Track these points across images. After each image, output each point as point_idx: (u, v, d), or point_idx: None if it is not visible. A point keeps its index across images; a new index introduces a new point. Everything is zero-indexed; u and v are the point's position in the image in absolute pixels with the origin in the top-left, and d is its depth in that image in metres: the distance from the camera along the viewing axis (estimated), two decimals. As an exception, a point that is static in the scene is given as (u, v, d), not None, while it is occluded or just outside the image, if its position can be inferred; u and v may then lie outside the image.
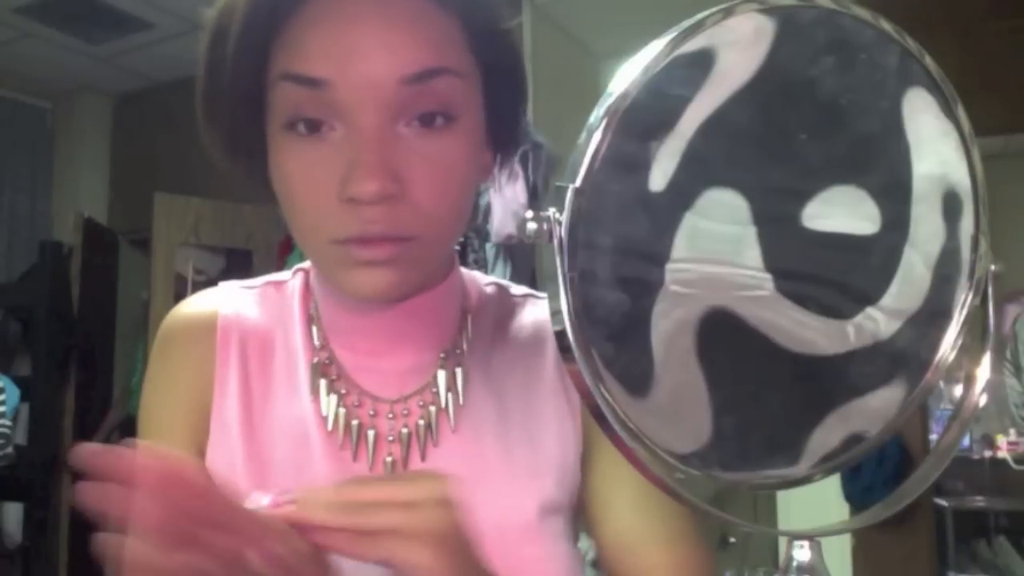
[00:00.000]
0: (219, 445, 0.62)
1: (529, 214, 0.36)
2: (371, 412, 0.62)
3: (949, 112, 0.44)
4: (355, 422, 0.61)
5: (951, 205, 0.45)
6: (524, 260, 2.56)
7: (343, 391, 0.63)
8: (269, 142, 0.57)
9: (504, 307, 0.70)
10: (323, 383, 0.63)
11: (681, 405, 0.40)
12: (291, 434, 0.62)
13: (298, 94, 0.53)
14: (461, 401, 0.63)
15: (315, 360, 0.64)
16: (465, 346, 0.65)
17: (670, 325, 0.39)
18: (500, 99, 0.60)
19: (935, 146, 0.44)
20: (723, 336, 0.40)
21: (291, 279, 0.69)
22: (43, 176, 3.99)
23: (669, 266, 0.38)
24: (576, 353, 0.36)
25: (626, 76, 0.37)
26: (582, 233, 0.36)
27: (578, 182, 0.36)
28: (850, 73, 0.42)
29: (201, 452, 0.63)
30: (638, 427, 0.38)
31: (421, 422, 0.62)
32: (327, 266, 0.58)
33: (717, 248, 0.40)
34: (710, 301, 0.40)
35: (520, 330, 0.68)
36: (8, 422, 3.27)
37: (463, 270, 0.68)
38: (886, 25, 0.42)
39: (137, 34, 3.36)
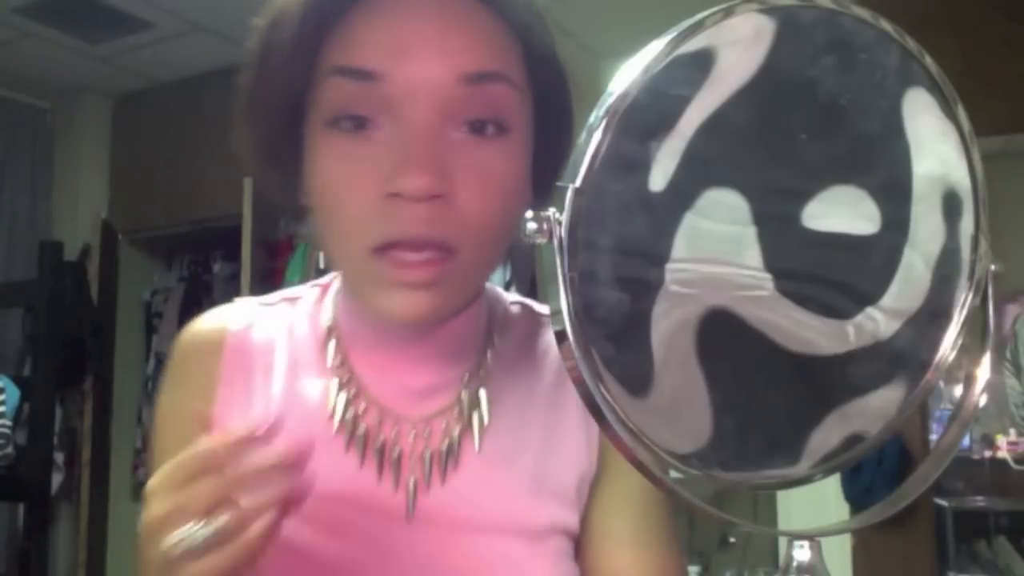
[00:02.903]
0: None
1: (529, 214, 0.36)
2: (394, 432, 0.61)
3: (949, 112, 0.44)
4: (380, 440, 0.60)
5: (951, 205, 0.45)
6: (524, 260, 2.56)
7: (362, 409, 0.61)
8: (308, 143, 0.56)
9: (529, 328, 0.68)
10: (342, 398, 0.61)
11: (681, 405, 0.40)
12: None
13: (349, 89, 0.52)
14: (486, 422, 0.61)
15: (333, 378, 0.62)
16: (489, 365, 0.64)
17: (670, 325, 0.38)
18: (549, 141, 0.58)
19: (935, 146, 0.44)
20: (723, 336, 0.40)
21: (306, 295, 0.69)
22: (43, 176, 3.98)
23: (669, 266, 0.38)
24: (576, 353, 0.36)
25: (626, 76, 0.37)
26: (582, 233, 0.36)
27: (578, 182, 0.36)
28: (850, 73, 0.42)
29: None
30: (638, 427, 0.38)
31: (445, 443, 0.60)
32: (362, 283, 0.56)
33: (717, 248, 0.39)
34: (710, 301, 0.40)
35: (544, 352, 0.67)
36: (8, 422, 3.26)
37: (487, 285, 0.68)
38: (886, 25, 0.42)
39: (137, 34, 3.36)
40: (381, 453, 0.60)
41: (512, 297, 0.71)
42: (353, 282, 0.59)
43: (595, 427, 0.61)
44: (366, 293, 0.56)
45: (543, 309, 0.70)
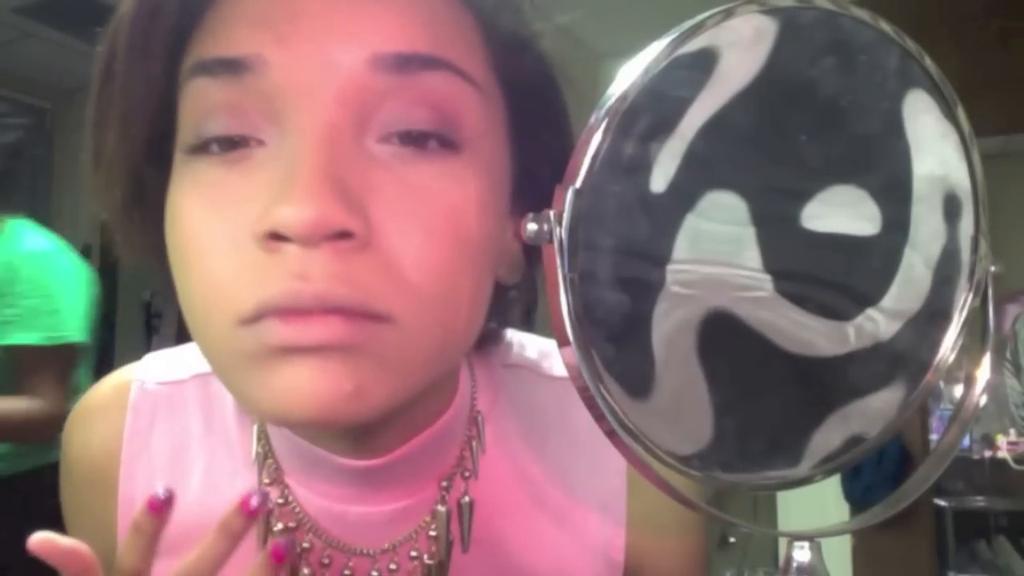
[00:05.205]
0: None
1: (529, 214, 0.36)
2: (346, 573, 0.48)
3: (949, 114, 0.44)
4: None
5: (951, 206, 0.45)
6: (524, 260, 2.55)
7: (305, 544, 0.48)
8: (171, 181, 0.41)
9: (536, 397, 0.54)
10: (278, 530, 0.48)
11: (682, 406, 0.40)
12: None
13: (214, 93, 0.37)
14: (465, 547, 0.48)
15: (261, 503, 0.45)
16: (475, 462, 0.49)
17: (671, 326, 0.38)
18: (537, 143, 0.44)
19: (935, 147, 0.44)
20: (724, 337, 0.40)
21: None
22: (43, 176, 3.99)
23: (670, 267, 0.38)
24: (576, 354, 0.36)
25: (626, 77, 0.37)
26: (582, 234, 0.36)
27: (578, 183, 0.36)
28: (851, 74, 0.42)
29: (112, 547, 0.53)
30: (639, 428, 0.37)
31: None
32: (227, 369, 0.38)
33: (717, 249, 0.39)
34: (711, 302, 0.40)
35: (561, 430, 0.53)
36: (9, 422, 3.26)
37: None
38: (886, 26, 0.42)
39: (137, 34, 3.36)
40: None
41: (511, 354, 0.56)
42: (222, 372, 0.39)
43: (623, 522, 0.53)
44: (235, 383, 0.38)
45: (544, 358, 0.56)
